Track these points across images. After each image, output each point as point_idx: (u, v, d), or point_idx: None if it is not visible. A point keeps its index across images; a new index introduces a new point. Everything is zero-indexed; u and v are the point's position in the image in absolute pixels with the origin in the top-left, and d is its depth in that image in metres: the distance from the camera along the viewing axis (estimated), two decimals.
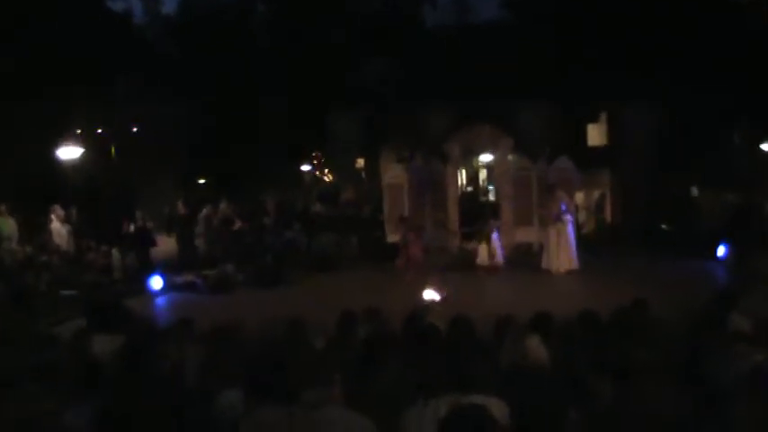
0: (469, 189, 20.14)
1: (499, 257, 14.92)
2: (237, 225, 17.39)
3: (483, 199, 19.16)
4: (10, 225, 15.55)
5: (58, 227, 15.89)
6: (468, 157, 18.35)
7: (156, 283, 13.95)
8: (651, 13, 20.56)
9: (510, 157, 16.76)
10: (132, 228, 16.42)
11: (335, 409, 3.61)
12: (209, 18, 30.32)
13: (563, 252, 14.14)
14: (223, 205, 18.04)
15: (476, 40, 23.15)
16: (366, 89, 23.84)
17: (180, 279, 14.43)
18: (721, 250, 14.16)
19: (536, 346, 4.93)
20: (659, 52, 20.26)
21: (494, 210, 16.64)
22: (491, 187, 18.14)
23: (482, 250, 14.95)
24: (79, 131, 19.03)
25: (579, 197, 17.44)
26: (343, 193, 18.95)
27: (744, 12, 20.82)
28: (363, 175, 22.29)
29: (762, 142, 20.39)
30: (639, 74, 19.50)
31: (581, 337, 5.45)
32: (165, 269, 14.90)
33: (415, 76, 20.85)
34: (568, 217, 14.45)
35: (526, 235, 16.36)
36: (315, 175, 36.96)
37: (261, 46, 30.52)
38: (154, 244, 16.47)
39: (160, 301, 13.58)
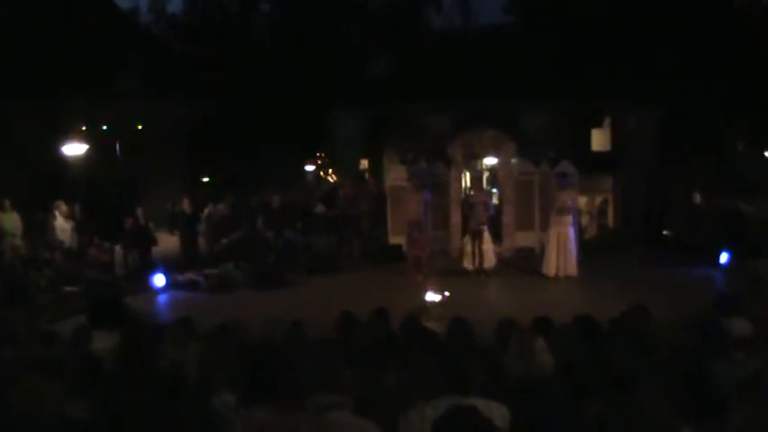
0: (472, 193, 20.03)
1: (491, 261, 14.63)
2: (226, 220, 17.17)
3: None
4: (14, 220, 15.58)
5: (61, 223, 15.90)
6: (472, 160, 18.31)
7: (158, 280, 13.95)
8: (655, 18, 20.54)
9: (513, 161, 16.74)
10: (133, 225, 16.35)
11: (344, 414, 3.61)
12: (212, 15, 30.42)
13: (563, 257, 14.01)
14: (221, 206, 17.82)
15: (479, 43, 23.12)
16: (368, 89, 23.80)
17: (182, 277, 14.41)
18: (723, 257, 14.15)
19: (542, 350, 4.93)
20: (663, 57, 20.25)
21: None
22: (494, 191, 18.08)
23: (468, 250, 14.64)
24: (84, 128, 18.99)
25: (582, 202, 17.41)
26: (341, 190, 18.80)
27: (747, 18, 20.82)
28: (367, 176, 22.25)
29: (766, 149, 20.38)
30: (643, 79, 19.48)
31: (579, 341, 5.44)
32: (168, 267, 14.88)
33: (418, 78, 20.78)
34: (570, 218, 14.30)
35: (527, 239, 16.36)
36: (318, 176, 36.86)
37: (264, 44, 30.57)
38: (154, 242, 16.43)
39: (161, 298, 13.57)
